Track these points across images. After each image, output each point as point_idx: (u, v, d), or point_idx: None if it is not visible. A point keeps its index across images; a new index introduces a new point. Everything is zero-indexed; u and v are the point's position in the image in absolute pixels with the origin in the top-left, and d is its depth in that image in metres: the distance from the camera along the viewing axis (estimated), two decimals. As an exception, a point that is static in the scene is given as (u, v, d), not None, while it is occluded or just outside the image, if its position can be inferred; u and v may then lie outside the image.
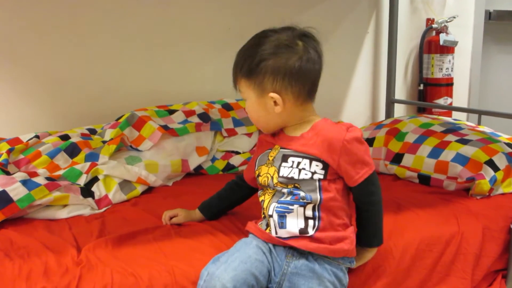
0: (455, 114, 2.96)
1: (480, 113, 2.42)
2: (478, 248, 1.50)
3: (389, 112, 2.83)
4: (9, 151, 1.72)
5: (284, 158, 1.21)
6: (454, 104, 3.02)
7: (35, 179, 1.55)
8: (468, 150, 1.81)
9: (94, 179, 1.70)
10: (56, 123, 2.11)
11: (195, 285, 1.16)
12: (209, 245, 1.30)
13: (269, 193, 1.23)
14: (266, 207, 1.22)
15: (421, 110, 3.02)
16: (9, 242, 1.33)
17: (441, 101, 2.95)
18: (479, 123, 2.31)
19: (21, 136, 1.87)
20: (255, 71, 1.18)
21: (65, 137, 1.87)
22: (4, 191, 1.46)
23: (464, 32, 3.12)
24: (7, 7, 1.99)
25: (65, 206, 1.58)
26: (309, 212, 1.17)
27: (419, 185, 1.86)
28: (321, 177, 1.17)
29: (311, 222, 1.17)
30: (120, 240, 1.32)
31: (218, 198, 1.49)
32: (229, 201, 1.49)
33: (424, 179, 1.86)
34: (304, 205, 1.17)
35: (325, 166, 1.17)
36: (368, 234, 1.26)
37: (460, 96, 3.15)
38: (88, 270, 1.18)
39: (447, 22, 2.90)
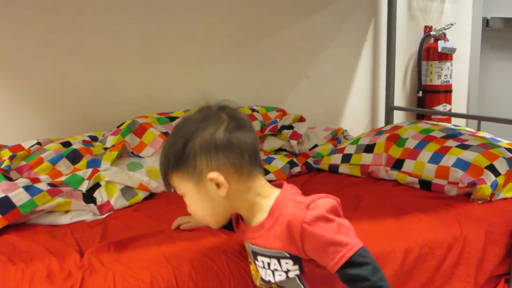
0: (455, 121, 2.97)
1: (480, 119, 2.43)
2: (481, 251, 1.50)
3: (389, 119, 2.84)
4: (11, 158, 1.72)
5: (255, 256, 1.05)
6: (453, 111, 3.04)
7: (38, 185, 1.55)
8: (468, 155, 1.81)
9: (96, 185, 1.70)
10: (57, 131, 2.12)
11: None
12: (211, 248, 1.30)
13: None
14: None
15: (420, 117, 3.03)
16: (12, 247, 1.33)
17: (440, 108, 2.96)
18: (478, 129, 2.32)
19: (23, 143, 1.87)
20: (183, 156, 0.99)
21: (66, 144, 1.87)
22: (6, 197, 1.46)
23: (462, 39, 3.14)
24: (7, 16, 2.00)
25: (67, 212, 1.58)
26: None
27: (420, 191, 1.86)
28: (297, 272, 1.00)
29: None
30: (122, 244, 1.32)
31: None
32: None
33: (425, 185, 1.86)
34: None
35: (297, 260, 0.99)
36: None
37: (459, 102, 3.17)
38: (91, 273, 1.18)
39: (445, 29, 2.92)
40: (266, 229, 1.00)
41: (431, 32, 2.96)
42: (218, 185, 0.99)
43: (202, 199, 1.01)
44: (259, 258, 1.03)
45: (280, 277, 1.01)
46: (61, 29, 2.10)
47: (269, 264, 1.02)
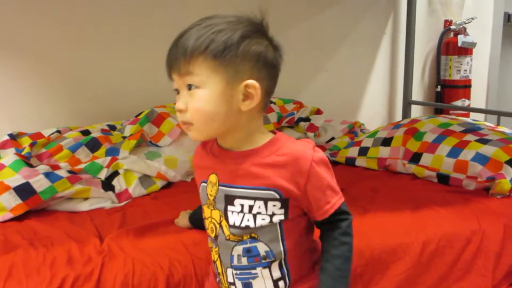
0: (473, 116, 2.94)
1: (499, 114, 2.40)
2: (499, 246, 1.49)
3: (406, 113, 2.82)
4: (31, 145, 1.74)
5: (229, 200, 0.94)
6: (472, 106, 3.01)
7: (58, 172, 1.57)
8: (488, 150, 1.80)
9: (115, 173, 1.72)
10: (76, 120, 2.14)
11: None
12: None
13: (216, 250, 0.99)
14: (222, 272, 0.99)
15: (438, 112, 3.01)
16: (33, 232, 1.35)
17: (458, 103, 2.94)
18: (498, 124, 2.30)
19: (42, 131, 1.90)
20: (233, 48, 0.88)
21: (85, 132, 1.89)
22: (27, 183, 1.49)
23: (483, 33, 3.10)
24: (30, 8, 2.02)
25: (86, 199, 1.60)
26: (276, 273, 0.96)
27: (438, 184, 1.85)
28: (282, 217, 0.93)
29: (281, 283, 0.97)
30: (141, 231, 1.34)
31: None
32: None
33: (443, 178, 1.85)
34: (268, 266, 0.95)
35: (284, 203, 0.93)
36: (333, 278, 0.94)
37: (478, 98, 3.14)
38: (110, 259, 1.20)
39: (465, 23, 2.89)
40: (260, 156, 0.93)
41: (451, 26, 2.93)
42: (246, 97, 0.90)
43: (222, 100, 0.89)
44: (237, 201, 0.93)
45: (263, 221, 0.92)
46: (82, 19, 2.12)
47: (251, 207, 0.92)
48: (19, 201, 1.46)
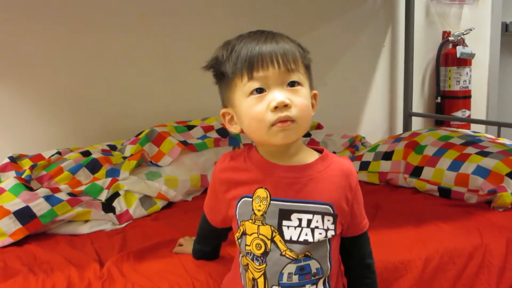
0: (474, 127, 2.93)
1: (500, 125, 2.40)
2: (502, 261, 1.48)
3: (407, 125, 2.82)
4: (32, 167, 1.75)
5: (284, 215, 0.92)
6: (472, 117, 3.00)
7: (58, 195, 1.57)
8: (488, 163, 1.79)
9: (115, 195, 1.71)
10: (76, 140, 2.14)
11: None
12: (229, 260, 1.30)
13: (260, 268, 0.95)
14: None
15: (439, 123, 3.01)
16: (32, 257, 1.34)
17: (459, 114, 2.93)
18: (498, 135, 2.29)
19: (43, 153, 1.90)
20: (309, 62, 0.98)
21: (86, 153, 1.90)
22: (27, 207, 1.49)
23: (481, 44, 3.11)
24: (30, 29, 2.03)
25: (86, 221, 1.60)
26: None
27: (439, 198, 1.84)
28: (333, 233, 0.95)
29: None
30: (141, 254, 1.33)
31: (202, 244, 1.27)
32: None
33: (445, 192, 1.84)
34: (316, 282, 0.95)
35: (335, 219, 0.95)
36: None
37: (478, 108, 3.13)
38: (110, 284, 1.19)
39: (463, 34, 2.90)
40: (316, 171, 0.94)
41: (449, 38, 2.94)
42: (312, 105, 0.96)
43: (309, 101, 0.94)
44: (294, 216, 0.92)
45: (320, 235, 0.92)
46: (81, 39, 2.13)
47: (309, 221, 0.92)
48: (19, 225, 1.45)
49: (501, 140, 2.07)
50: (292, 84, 0.91)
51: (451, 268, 1.42)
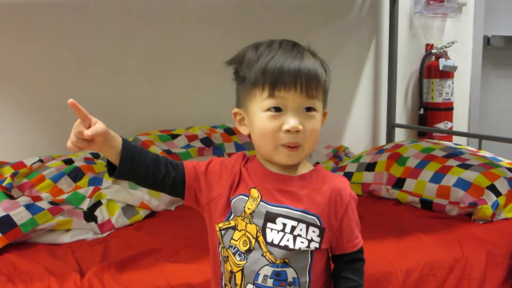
0: (456, 139, 2.97)
1: (481, 137, 2.43)
2: (482, 273, 1.50)
3: (390, 136, 2.84)
4: (13, 175, 1.73)
5: (270, 217, 0.95)
6: (454, 129, 3.03)
7: (39, 204, 1.56)
8: (469, 175, 1.81)
9: (97, 204, 1.70)
10: (59, 148, 2.12)
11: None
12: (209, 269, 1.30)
13: (240, 264, 0.96)
14: (240, 284, 0.96)
15: (422, 135, 3.03)
16: (12, 267, 1.33)
17: (441, 126, 2.96)
18: (480, 148, 2.32)
19: (25, 160, 1.88)
20: (328, 81, 1.00)
21: (68, 161, 1.88)
22: (7, 216, 1.47)
23: (463, 57, 3.15)
24: (11, 34, 2.01)
25: (68, 230, 1.58)
26: None
27: (421, 210, 1.86)
28: (317, 245, 0.95)
29: None
30: (123, 264, 1.33)
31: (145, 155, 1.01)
32: (152, 167, 1.00)
33: (426, 204, 1.86)
34: None
35: (321, 232, 0.96)
36: None
37: (460, 120, 3.17)
38: (91, 295, 1.18)
39: (446, 47, 2.93)
40: (309, 182, 0.97)
41: (432, 50, 2.97)
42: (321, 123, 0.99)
43: (319, 125, 0.98)
44: (280, 220, 0.94)
45: (302, 244, 0.93)
46: (63, 48, 2.12)
47: (293, 227, 0.93)
48: (-1, 234, 1.44)
49: (482, 152, 2.10)
50: (309, 109, 0.94)
51: (431, 280, 1.43)
